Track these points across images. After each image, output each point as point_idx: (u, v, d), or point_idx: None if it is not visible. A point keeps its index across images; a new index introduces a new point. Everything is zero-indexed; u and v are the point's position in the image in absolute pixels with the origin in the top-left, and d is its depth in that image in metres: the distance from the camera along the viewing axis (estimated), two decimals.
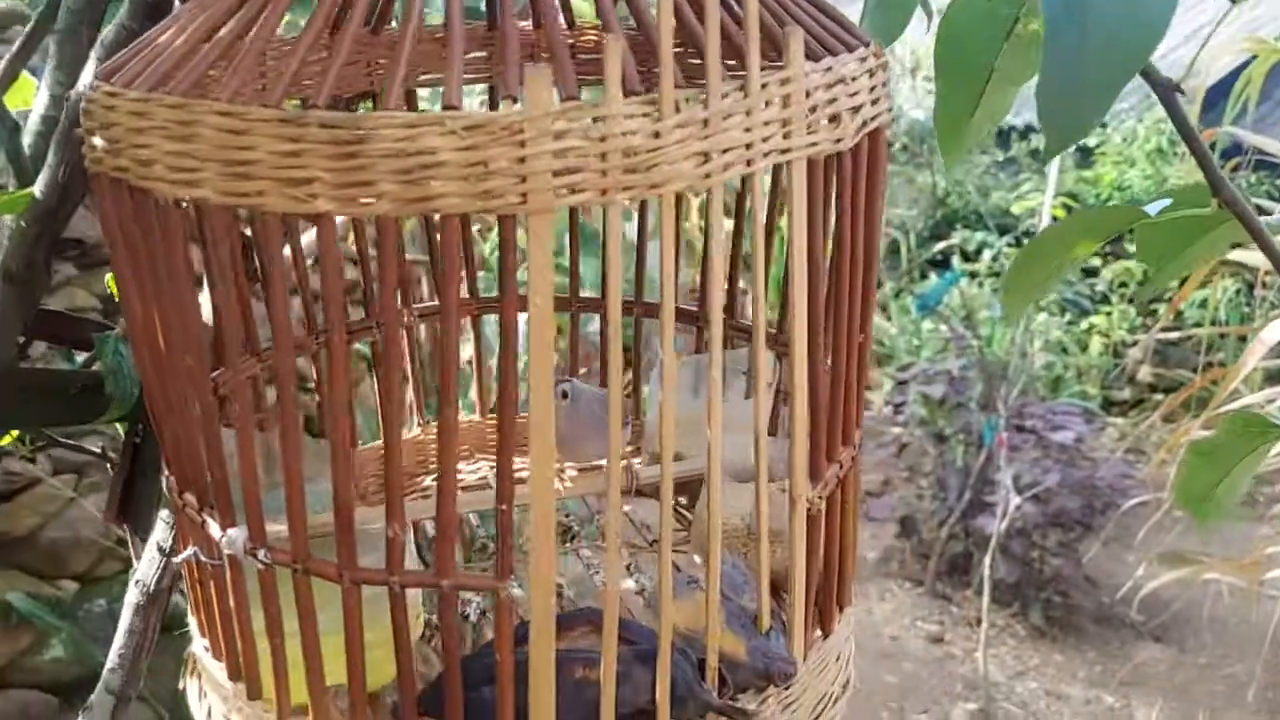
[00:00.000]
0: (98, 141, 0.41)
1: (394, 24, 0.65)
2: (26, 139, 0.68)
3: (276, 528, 0.43)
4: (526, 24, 0.65)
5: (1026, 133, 4.61)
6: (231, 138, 0.36)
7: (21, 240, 0.64)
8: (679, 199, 0.73)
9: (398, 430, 0.39)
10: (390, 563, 0.41)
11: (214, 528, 0.45)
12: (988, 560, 2.56)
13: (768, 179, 0.64)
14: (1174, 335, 3.54)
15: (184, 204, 0.39)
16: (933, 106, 0.64)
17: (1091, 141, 4.37)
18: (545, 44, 0.60)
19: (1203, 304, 3.51)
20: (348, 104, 0.65)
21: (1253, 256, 1.84)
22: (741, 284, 0.87)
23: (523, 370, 0.39)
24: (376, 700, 0.50)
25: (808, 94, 0.40)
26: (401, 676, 0.43)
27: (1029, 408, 2.96)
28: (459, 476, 0.73)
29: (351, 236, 0.90)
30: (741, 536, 0.56)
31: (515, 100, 0.35)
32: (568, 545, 0.63)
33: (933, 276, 4.32)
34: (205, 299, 0.50)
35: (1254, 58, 1.91)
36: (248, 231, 0.62)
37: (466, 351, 1.51)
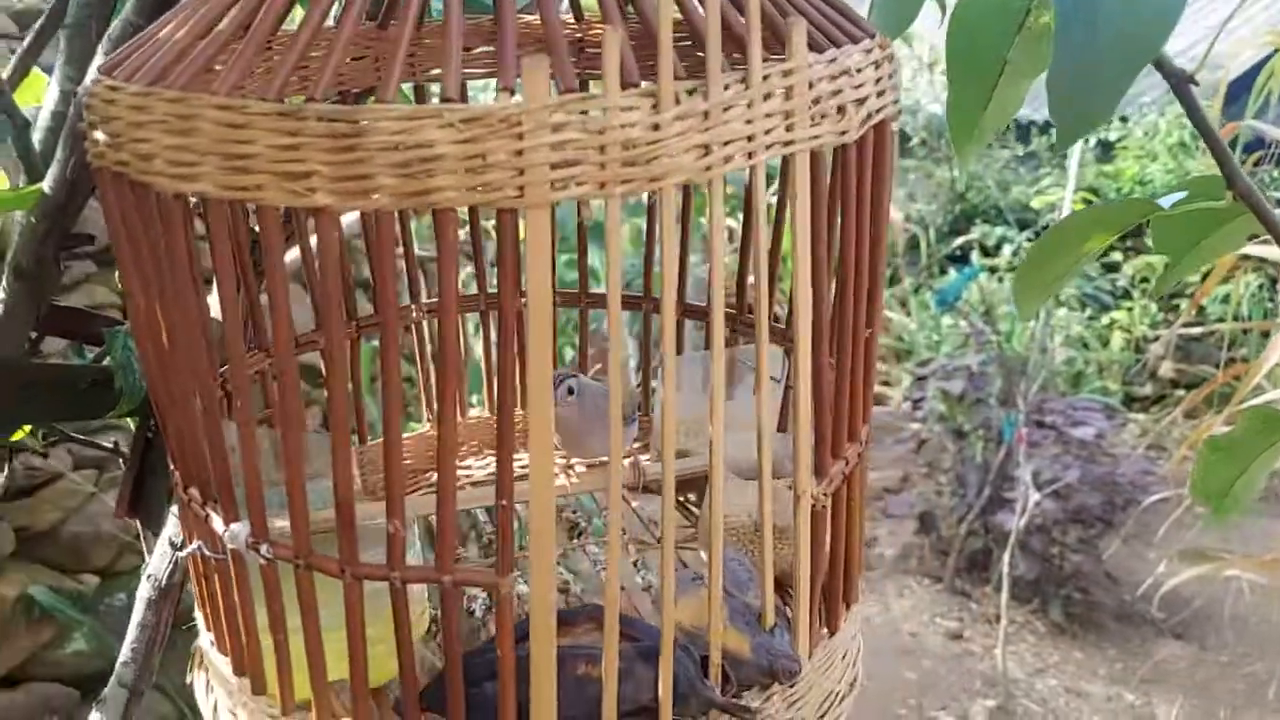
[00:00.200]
0: (99, 136, 0.41)
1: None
2: (37, 135, 0.68)
3: (281, 523, 0.43)
4: (536, 17, 0.65)
5: (1046, 127, 4.57)
6: (230, 131, 0.36)
7: (31, 236, 0.64)
8: (688, 191, 0.72)
9: (398, 426, 0.39)
10: (391, 558, 0.40)
11: (217, 522, 0.45)
12: (1007, 557, 2.55)
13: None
14: (1196, 330, 3.52)
15: (193, 201, 0.39)
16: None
17: (1113, 135, 4.33)
18: (551, 34, 0.60)
19: (1225, 299, 3.47)
20: (356, 99, 0.65)
21: (1275, 251, 1.83)
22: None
23: None
24: (381, 695, 0.50)
25: (811, 85, 0.40)
26: (403, 672, 0.43)
27: (1049, 403, 2.94)
28: (469, 472, 0.73)
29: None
30: (749, 533, 0.56)
31: (512, 93, 0.35)
32: (575, 541, 0.63)
33: (952, 272, 4.30)
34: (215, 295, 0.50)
35: (1276, 51, 1.89)
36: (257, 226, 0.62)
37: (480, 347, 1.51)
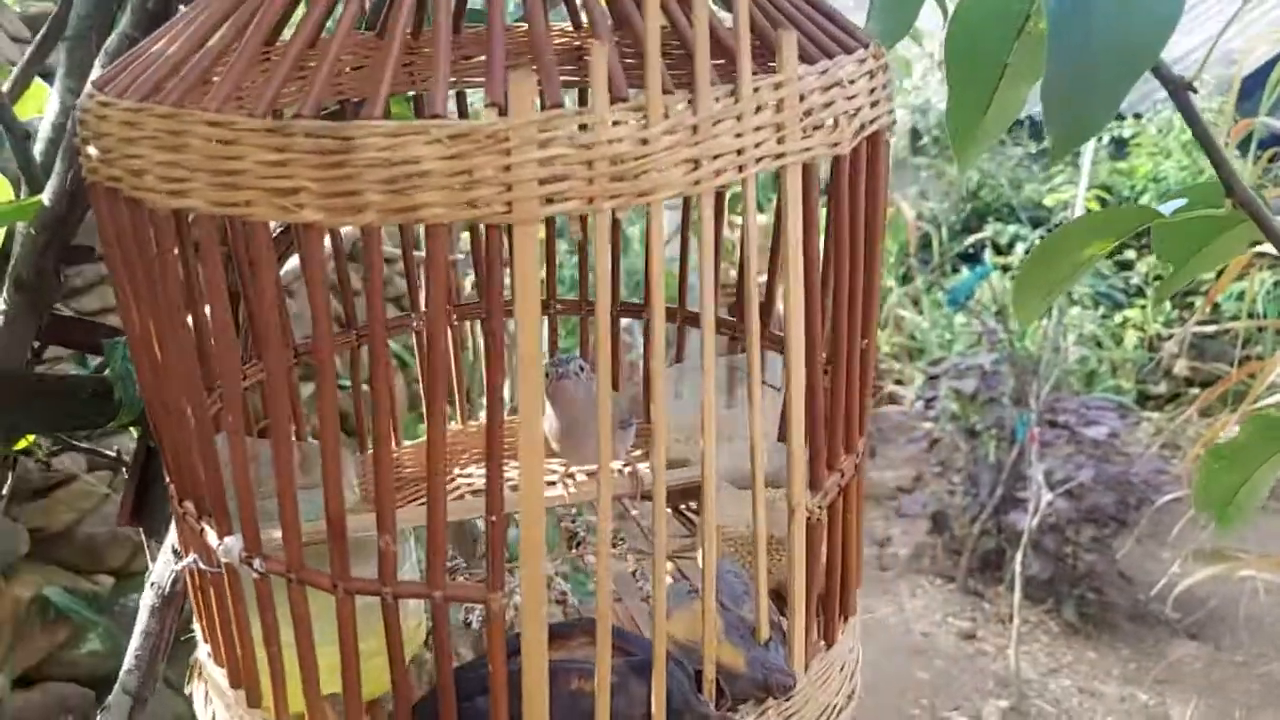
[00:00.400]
0: (92, 151, 0.41)
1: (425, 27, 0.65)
2: (39, 147, 0.68)
3: (278, 535, 0.43)
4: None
5: None
6: (220, 147, 0.36)
7: (31, 248, 0.64)
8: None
9: (388, 440, 0.39)
10: (383, 574, 0.40)
11: (211, 536, 0.45)
12: (1020, 556, 2.54)
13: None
14: (1210, 329, 3.49)
15: (188, 216, 0.39)
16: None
17: (1126, 132, 4.30)
18: (538, 47, 0.60)
19: (1240, 296, 3.44)
20: (356, 109, 0.65)
21: None
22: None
23: None
24: (376, 709, 0.50)
25: (802, 98, 0.40)
26: (396, 686, 0.43)
27: (1062, 402, 2.93)
28: (469, 480, 0.73)
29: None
30: (748, 544, 0.56)
31: (499, 108, 0.35)
32: (575, 551, 0.63)
33: (964, 270, 4.28)
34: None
35: None
36: None
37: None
